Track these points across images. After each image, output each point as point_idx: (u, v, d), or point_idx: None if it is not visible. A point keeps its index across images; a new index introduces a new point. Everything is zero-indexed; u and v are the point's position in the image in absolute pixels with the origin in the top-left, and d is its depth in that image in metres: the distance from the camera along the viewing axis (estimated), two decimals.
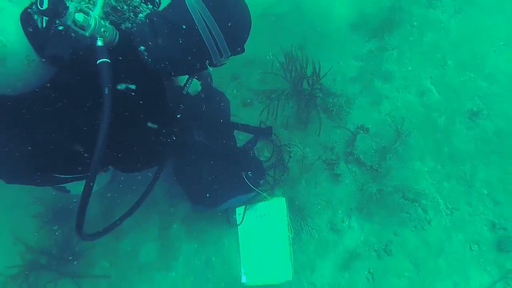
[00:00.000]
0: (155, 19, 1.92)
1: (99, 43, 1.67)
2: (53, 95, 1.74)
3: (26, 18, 1.53)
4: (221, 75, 3.69)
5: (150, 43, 1.89)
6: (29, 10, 1.56)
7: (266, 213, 3.24)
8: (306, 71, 3.46)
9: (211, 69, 2.12)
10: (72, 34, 1.62)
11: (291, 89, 3.54)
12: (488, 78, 3.55)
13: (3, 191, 3.49)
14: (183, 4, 1.90)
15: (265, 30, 3.98)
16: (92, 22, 1.62)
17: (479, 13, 3.81)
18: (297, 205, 3.30)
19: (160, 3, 2.12)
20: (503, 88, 3.49)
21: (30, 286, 3.28)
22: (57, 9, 1.47)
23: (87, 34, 1.62)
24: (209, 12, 1.88)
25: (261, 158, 3.49)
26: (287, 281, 3.09)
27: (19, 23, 1.51)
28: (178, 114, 2.34)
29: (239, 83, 3.85)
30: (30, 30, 1.53)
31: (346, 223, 3.28)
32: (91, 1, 1.74)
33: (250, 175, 3.18)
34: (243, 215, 3.26)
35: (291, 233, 3.19)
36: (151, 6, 2.06)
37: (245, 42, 2.15)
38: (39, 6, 1.44)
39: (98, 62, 1.63)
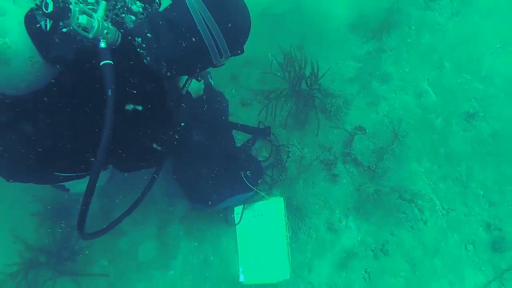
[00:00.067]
0: (155, 19, 1.94)
1: (102, 44, 1.69)
2: (55, 95, 1.76)
3: (30, 20, 1.55)
4: (220, 75, 3.71)
5: (150, 43, 1.92)
6: (33, 12, 1.57)
7: (264, 212, 3.27)
8: (304, 71, 3.48)
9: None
10: (76, 36, 1.63)
11: (290, 89, 3.56)
12: (485, 80, 3.58)
13: (2, 189, 3.49)
14: (183, 4, 1.92)
15: (264, 30, 4.00)
16: (95, 24, 1.64)
17: (476, 16, 3.85)
18: (295, 204, 3.32)
19: (160, 3, 2.13)
20: (499, 90, 3.52)
21: (29, 284, 3.28)
22: (62, 12, 1.49)
23: (90, 36, 1.64)
24: (209, 13, 1.90)
25: (260, 158, 3.51)
26: (284, 280, 3.11)
27: (23, 25, 1.53)
28: (180, 115, 2.36)
29: (238, 83, 3.87)
30: (34, 32, 1.55)
31: (344, 223, 3.31)
32: (94, 4, 1.77)
33: (249, 174, 3.20)
34: (241, 214, 3.28)
35: (289, 233, 3.21)
36: (152, 7, 2.08)
37: (245, 43, 2.18)
38: (44, 9, 1.46)
39: (101, 64, 1.65)
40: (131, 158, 2.15)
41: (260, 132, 3.51)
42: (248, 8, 2.07)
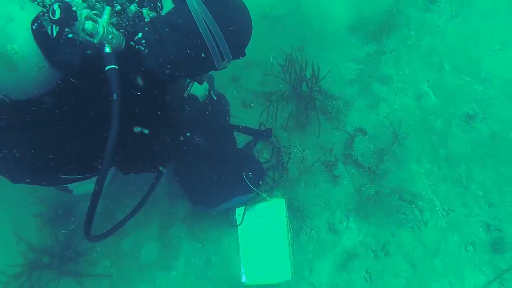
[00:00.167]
0: (158, 23, 1.97)
1: (107, 49, 1.71)
2: (61, 99, 1.78)
3: (37, 26, 1.57)
4: (221, 77, 3.73)
5: (153, 47, 1.94)
6: (40, 18, 1.60)
7: (266, 213, 3.29)
8: (305, 73, 3.51)
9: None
10: (81, 42, 1.66)
11: (291, 91, 3.59)
12: (484, 82, 3.61)
13: (4, 191, 3.51)
14: (186, 8, 1.95)
15: (265, 32, 4.02)
16: (101, 30, 1.66)
17: (476, 18, 3.87)
18: (296, 206, 3.34)
19: (162, 7, 2.15)
20: (499, 92, 3.55)
21: (32, 285, 3.31)
22: (68, 19, 1.52)
23: (95, 41, 1.66)
24: (211, 16, 1.93)
25: (261, 160, 3.54)
26: (286, 280, 3.13)
27: (30, 31, 1.55)
28: (183, 118, 2.39)
29: (239, 85, 3.90)
30: (41, 37, 1.57)
31: (344, 224, 3.33)
32: (98, 9, 1.79)
33: (251, 176, 3.23)
34: (243, 215, 3.30)
35: (290, 234, 3.24)
36: (154, 11, 2.10)
37: (247, 46, 2.20)
38: (51, 16, 1.49)
39: (106, 68, 1.67)
40: (135, 161, 2.17)
41: (262, 134, 3.53)
42: (249, 9, 2.10)
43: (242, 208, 3.32)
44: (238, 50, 2.13)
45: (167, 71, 2.02)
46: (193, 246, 3.41)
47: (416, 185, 3.37)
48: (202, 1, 1.94)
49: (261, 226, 3.28)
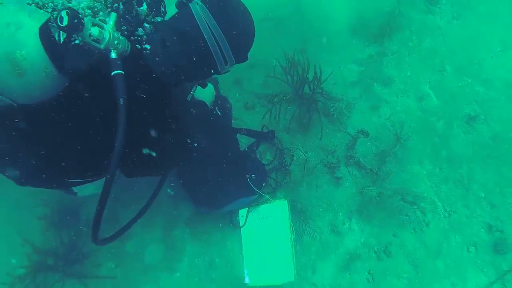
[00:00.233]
0: (161, 27, 2.00)
1: (113, 55, 1.74)
2: (67, 103, 1.81)
3: (45, 32, 1.60)
4: (223, 79, 3.74)
5: (158, 51, 1.97)
6: (47, 24, 1.63)
7: (269, 215, 3.31)
8: (307, 75, 3.53)
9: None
10: (88, 47, 1.69)
11: (293, 93, 3.61)
12: (485, 84, 3.63)
13: (9, 194, 3.54)
14: (189, 13, 1.98)
15: (267, 34, 4.04)
16: (107, 36, 1.69)
17: (477, 20, 3.89)
18: (298, 207, 3.36)
19: (166, 12, 2.18)
20: (500, 93, 3.58)
21: (37, 286, 3.33)
22: (76, 25, 1.55)
23: (101, 47, 1.69)
24: (214, 21, 1.96)
25: (264, 161, 3.55)
26: (289, 281, 3.16)
27: (38, 37, 1.58)
28: (187, 121, 2.41)
29: (242, 87, 3.92)
30: (48, 43, 1.60)
31: (347, 225, 3.35)
32: (104, 15, 1.82)
33: (254, 177, 3.25)
34: (246, 217, 3.32)
35: (293, 235, 3.26)
36: (158, 16, 2.13)
37: (249, 50, 2.23)
38: (59, 23, 1.52)
39: (112, 73, 1.70)
40: (140, 164, 2.20)
41: (264, 136, 3.55)
42: (251, 12, 2.13)
43: (245, 210, 3.34)
44: (241, 54, 2.16)
45: (171, 75, 2.05)
46: (197, 248, 3.43)
47: (418, 186, 3.39)
48: (205, 6, 1.98)
49: (264, 228, 3.30)
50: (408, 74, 3.78)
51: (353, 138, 3.52)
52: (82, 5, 1.71)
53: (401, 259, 3.22)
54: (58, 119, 1.84)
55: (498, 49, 3.74)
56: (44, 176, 2.09)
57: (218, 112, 3.17)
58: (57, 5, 1.61)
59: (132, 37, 1.94)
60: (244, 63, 2.28)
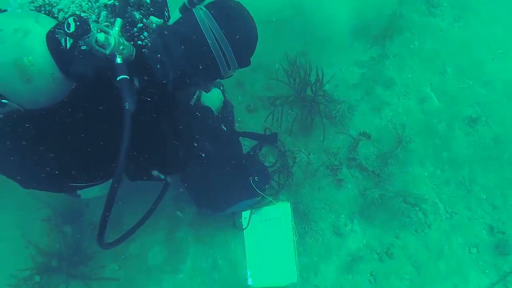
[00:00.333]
0: (165, 32, 2.02)
1: (118, 60, 1.75)
2: (73, 108, 1.83)
3: (51, 38, 1.62)
4: (226, 82, 3.74)
5: (161, 56, 1.99)
6: (54, 30, 1.65)
7: (271, 217, 3.33)
8: (309, 78, 3.55)
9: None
10: (94, 53, 1.71)
11: (295, 95, 3.62)
12: (487, 85, 3.66)
13: (12, 196, 3.56)
14: (193, 18, 2.00)
15: (269, 36, 4.05)
16: (112, 41, 1.71)
17: (478, 22, 3.92)
18: (301, 209, 3.38)
19: (169, 17, 2.20)
20: (501, 95, 3.60)
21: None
22: (83, 32, 1.57)
23: (107, 52, 1.71)
24: (218, 26, 1.98)
25: (266, 164, 3.57)
26: (292, 283, 3.17)
27: (45, 43, 1.60)
28: (190, 126, 2.43)
29: (244, 90, 3.94)
30: (55, 49, 1.63)
31: (349, 227, 3.37)
32: (109, 21, 1.85)
33: (257, 179, 3.27)
34: (249, 219, 3.34)
35: (296, 237, 3.27)
36: (162, 20, 2.15)
37: (252, 55, 2.25)
38: (66, 30, 1.54)
39: (118, 78, 1.72)
40: (145, 168, 2.22)
41: (267, 139, 3.57)
42: (253, 14, 2.15)
43: (248, 212, 3.36)
44: (243, 59, 2.19)
45: (175, 79, 2.07)
46: (200, 250, 3.44)
47: (419, 188, 3.40)
48: (209, 11, 2.00)
49: (267, 229, 3.32)
50: (410, 76, 3.80)
51: (355, 140, 3.54)
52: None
53: (403, 261, 3.23)
54: (64, 123, 1.86)
55: (499, 51, 3.77)
56: (50, 180, 2.12)
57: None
58: (66, 12, 1.64)
59: (136, 42, 1.97)
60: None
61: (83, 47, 1.67)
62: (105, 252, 3.49)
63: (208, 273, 3.38)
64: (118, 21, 1.82)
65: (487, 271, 3.15)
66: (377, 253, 3.27)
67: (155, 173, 2.23)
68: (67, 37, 1.65)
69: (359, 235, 3.34)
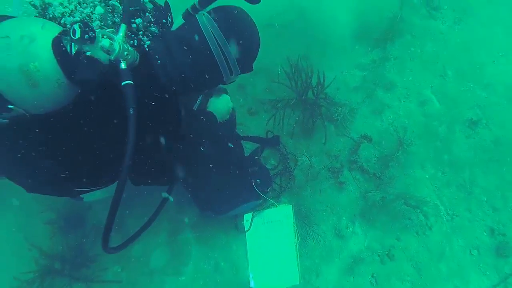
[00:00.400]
0: (169, 38, 2.04)
1: (123, 65, 1.78)
2: (78, 113, 1.85)
3: (57, 44, 1.65)
4: (227, 85, 3.79)
5: (165, 62, 2.02)
6: (59, 36, 1.67)
7: (273, 219, 3.35)
8: (311, 81, 3.57)
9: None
10: (99, 58, 1.73)
11: (297, 98, 3.64)
12: (487, 88, 3.67)
13: (16, 199, 3.58)
14: (196, 24, 2.02)
15: (270, 40, 4.06)
16: (117, 47, 1.73)
17: (478, 24, 3.93)
18: (303, 211, 3.39)
19: (172, 22, 2.22)
20: (502, 98, 3.61)
21: None
22: (88, 38, 1.59)
23: (112, 58, 1.74)
24: (220, 32, 2.00)
25: (268, 166, 3.59)
26: (294, 285, 3.20)
27: (51, 49, 1.62)
28: (194, 130, 2.44)
29: (245, 93, 3.95)
30: (61, 55, 1.65)
31: (350, 229, 3.39)
32: (114, 27, 1.87)
33: (259, 182, 3.28)
34: (251, 221, 3.36)
35: (298, 239, 3.29)
36: (165, 27, 2.17)
37: (254, 60, 2.27)
38: (72, 36, 1.57)
39: (122, 84, 1.74)
40: (148, 173, 2.24)
41: (270, 142, 3.58)
42: (255, 18, 2.17)
43: (250, 214, 3.38)
44: (246, 65, 2.21)
45: (179, 84, 2.10)
46: (202, 252, 3.46)
47: (420, 190, 3.42)
48: (211, 17, 2.02)
49: (269, 232, 3.34)
50: (410, 78, 3.82)
51: (356, 143, 3.55)
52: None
53: (404, 263, 3.25)
54: (69, 128, 1.88)
55: (500, 53, 3.78)
56: (54, 184, 2.14)
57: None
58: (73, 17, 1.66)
59: (140, 47, 1.99)
60: None
61: (88, 53, 1.69)
62: (107, 255, 3.49)
63: (210, 275, 3.39)
64: (123, 27, 1.84)
65: (488, 273, 3.17)
66: (379, 255, 3.29)
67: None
68: (73, 43, 1.67)
69: (361, 237, 3.36)
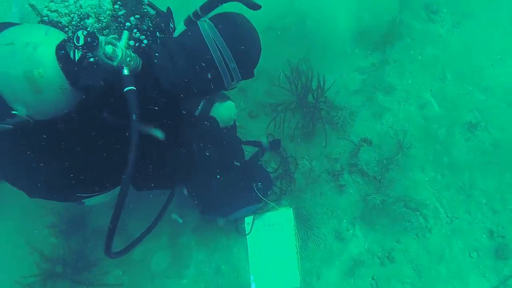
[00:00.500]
0: (171, 44, 2.06)
1: (125, 71, 1.79)
2: (81, 119, 1.87)
3: (60, 51, 1.66)
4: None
5: (166, 68, 2.03)
6: (63, 43, 1.69)
7: (274, 222, 3.37)
8: (311, 84, 3.59)
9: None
10: (102, 65, 1.74)
11: (297, 102, 3.66)
12: (486, 91, 3.69)
13: (16, 203, 3.59)
14: (197, 30, 2.04)
15: (271, 43, 4.07)
16: (119, 53, 1.75)
17: (477, 28, 3.96)
18: (303, 214, 3.41)
19: (174, 28, 2.24)
20: (500, 101, 3.64)
21: None
22: (92, 44, 1.61)
23: (115, 64, 1.75)
24: (222, 38, 2.02)
25: (268, 170, 3.60)
26: None
27: (55, 56, 1.64)
28: (195, 135, 2.46)
29: (246, 96, 3.97)
30: (64, 61, 1.66)
31: (351, 231, 3.40)
32: (116, 33, 1.89)
33: (260, 185, 3.30)
34: (252, 224, 3.37)
35: (298, 242, 3.31)
36: (166, 33, 2.19)
37: (255, 67, 2.29)
38: (75, 43, 1.58)
39: (125, 90, 1.75)
40: (151, 177, 2.25)
41: (270, 145, 3.60)
42: (255, 22, 2.18)
43: (251, 217, 3.40)
44: (247, 71, 2.23)
45: (181, 90, 2.11)
46: (203, 255, 3.47)
47: (420, 193, 3.44)
48: (213, 24, 2.04)
49: (269, 235, 3.35)
50: (410, 82, 3.84)
51: (356, 146, 3.57)
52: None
53: (404, 265, 3.27)
54: (72, 134, 1.90)
55: (498, 56, 3.81)
56: (56, 190, 2.15)
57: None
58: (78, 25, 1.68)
59: (142, 55, 2.00)
60: None
61: (91, 59, 1.71)
62: (109, 258, 3.51)
63: (211, 278, 3.41)
64: (125, 33, 1.86)
65: (487, 275, 3.18)
66: (379, 258, 3.30)
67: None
68: (76, 50, 1.69)
69: (361, 239, 3.38)
